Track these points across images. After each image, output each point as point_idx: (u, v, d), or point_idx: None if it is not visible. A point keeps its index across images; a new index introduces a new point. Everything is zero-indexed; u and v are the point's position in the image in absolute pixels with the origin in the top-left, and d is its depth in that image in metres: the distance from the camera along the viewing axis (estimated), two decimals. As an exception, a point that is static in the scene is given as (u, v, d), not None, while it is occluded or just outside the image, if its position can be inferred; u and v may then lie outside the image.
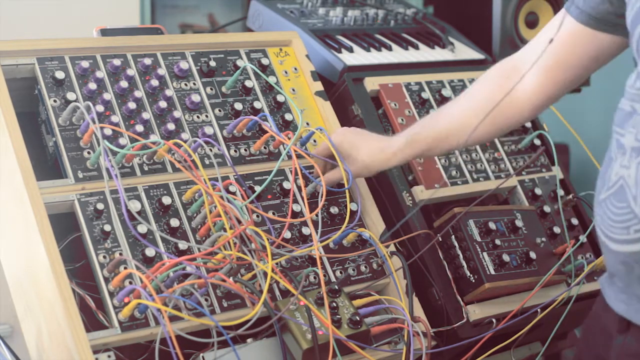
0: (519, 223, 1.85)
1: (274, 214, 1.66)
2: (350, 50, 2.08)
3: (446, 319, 1.74)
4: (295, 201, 1.70)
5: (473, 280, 1.75)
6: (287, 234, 1.65)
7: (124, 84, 1.65)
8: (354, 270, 1.69)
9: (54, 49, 1.64)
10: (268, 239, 1.53)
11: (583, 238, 1.94)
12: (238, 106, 1.75)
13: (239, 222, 1.55)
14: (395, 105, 1.94)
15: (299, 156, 1.72)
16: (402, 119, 1.92)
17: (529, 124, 2.07)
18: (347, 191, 1.75)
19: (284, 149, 1.72)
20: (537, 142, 2.06)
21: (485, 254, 1.77)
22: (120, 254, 1.49)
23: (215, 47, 1.81)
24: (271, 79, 1.82)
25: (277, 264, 1.59)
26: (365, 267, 1.71)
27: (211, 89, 1.75)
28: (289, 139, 1.71)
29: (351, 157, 1.71)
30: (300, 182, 1.72)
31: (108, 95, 1.64)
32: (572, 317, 1.87)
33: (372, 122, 1.90)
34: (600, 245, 1.41)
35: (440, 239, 1.80)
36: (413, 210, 1.81)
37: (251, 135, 1.74)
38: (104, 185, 1.53)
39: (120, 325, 1.44)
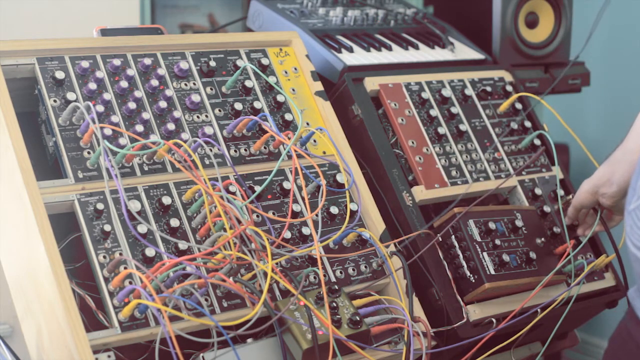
0: (519, 223, 1.85)
1: (274, 214, 1.66)
2: (350, 50, 2.08)
3: (446, 319, 1.74)
4: (295, 201, 1.70)
5: (473, 280, 1.75)
6: (287, 234, 1.65)
7: (124, 84, 1.65)
8: (354, 270, 1.69)
9: (54, 49, 1.64)
10: (268, 239, 1.53)
11: (585, 241, 1.93)
12: (238, 106, 1.75)
13: (239, 222, 1.55)
14: (395, 105, 1.94)
15: (299, 156, 1.72)
16: (402, 119, 1.92)
17: (529, 124, 2.07)
18: (347, 191, 1.76)
19: (284, 149, 1.72)
20: (537, 142, 2.06)
21: (485, 254, 1.77)
22: (120, 254, 1.49)
23: (215, 47, 1.81)
24: (271, 79, 1.82)
25: (277, 264, 1.59)
26: (365, 267, 1.71)
27: (211, 89, 1.75)
28: (289, 139, 1.71)
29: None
30: (300, 182, 1.72)
31: (108, 95, 1.64)
32: (572, 317, 1.88)
33: (372, 122, 1.90)
34: (629, 256, 1.40)
35: (440, 239, 1.80)
36: (451, 204, 1.80)
37: (251, 135, 1.74)
38: (104, 185, 1.53)
39: (120, 325, 1.44)
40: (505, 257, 1.78)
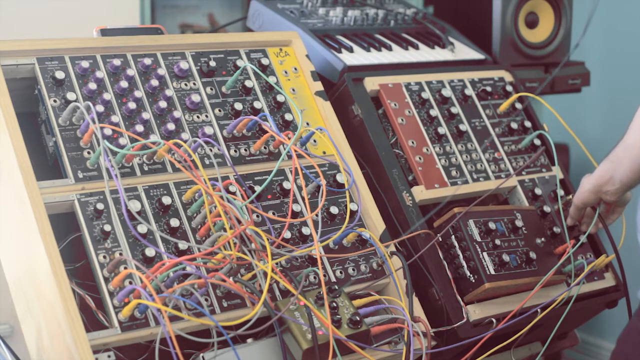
0: (519, 223, 1.85)
1: (274, 214, 1.66)
2: (350, 50, 2.08)
3: (446, 319, 1.74)
4: (295, 201, 1.70)
5: (473, 280, 1.75)
6: (287, 234, 1.65)
7: (124, 84, 1.65)
8: (354, 270, 1.69)
9: (54, 49, 1.64)
10: (268, 239, 1.53)
11: (583, 238, 1.94)
12: (238, 106, 1.75)
13: (239, 222, 1.55)
14: (395, 105, 1.94)
15: (299, 156, 1.72)
16: (402, 119, 1.92)
17: (529, 124, 2.07)
18: (347, 191, 1.76)
19: (284, 149, 1.72)
20: (537, 142, 2.06)
21: (485, 254, 1.77)
22: (120, 254, 1.49)
23: (215, 47, 1.81)
24: (271, 79, 1.82)
25: (277, 264, 1.59)
26: (365, 267, 1.71)
27: (211, 89, 1.75)
28: (289, 139, 1.71)
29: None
30: (300, 182, 1.72)
31: (108, 95, 1.64)
32: (572, 317, 1.88)
33: (372, 122, 1.90)
34: None
35: (440, 239, 1.80)
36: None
37: (251, 135, 1.74)
38: (104, 185, 1.53)
39: (120, 325, 1.44)
40: (505, 257, 1.78)
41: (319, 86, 1.87)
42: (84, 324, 1.42)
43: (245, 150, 1.72)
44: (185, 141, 1.63)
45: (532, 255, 1.82)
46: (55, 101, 1.60)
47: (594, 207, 1.90)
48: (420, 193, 1.85)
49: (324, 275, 1.66)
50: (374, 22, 2.26)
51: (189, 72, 1.75)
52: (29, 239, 1.47)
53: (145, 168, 1.61)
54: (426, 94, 1.98)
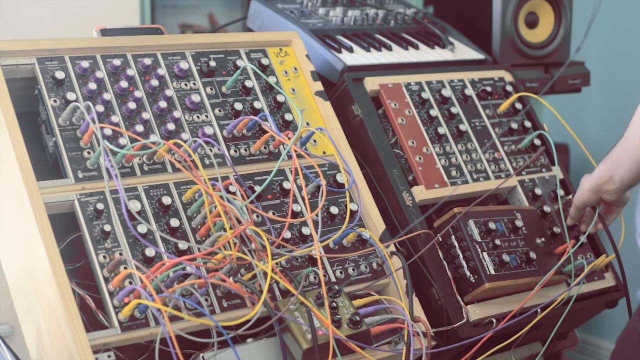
0: (519, 223, 1.85)
1: (274, 214, 1.66)
2: (350, 50, 2.08)
3: (446, 319, 1.74)
4: (295, 201, 1.70)
5: (473, 280, 1.75)
6: (287, 234, 1.65)
7: (124, 84, 1.65)
8: (354, 270, 1.69)
9: (54, 49, 1.64)
10: (268, 239, 1.53)
11: (583, 238, 1.94)
12: (238, 106, 1.75)
13: (239, 222, 1.55)
14: (395, 105, 1.94)
15: (299, 156, 1.72)
16: (402, 119, 1.92)
17: (529, 124, 2.07)
18: (347, 191, 1.76)
19: (284, 149, 1.72)
20: (537, 142, 2.06)
21: (485, 254, 1.77)
22: (120, 254, 1.49)
23: (215, 47, 1.81)
24: (271, 79, 1.82)
25: (277, 264, 1.59)
26: (365, 267, 1.71)
27: (211, 89, 1.75)
28: (289, 139, 1.71)
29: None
30: (300, 182, 1.72)
31: (108, 95, 1.64)
32: (572, 317, 1.88)
33: (372, 122, 1.90)
34: None
35: (440, 239, 1.80)
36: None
37: (251, 135, 1.74)
38: (104, 185, 1.53)
39: (120, 325, 1.44)
40: (505, 257, 1.78)
41: (319, 86, 1.87)
42: (84, 324, 1.42)
43: (245, 150, 1.72)
44: (185, 141, 1.63)
45: (532, 255, 1.82)
46: (55, 101, 1.60)
47: (594, 207, 1.91)
48: (420, 193, 1.85)
49: (324, 275, 1.66)
50: (374, 22, 2.26)
51: (189, 72, 1.75)
52: (29, 239, 1.47)
53: (145, 168, 1.61)
54: (426, 94, 1.98)
